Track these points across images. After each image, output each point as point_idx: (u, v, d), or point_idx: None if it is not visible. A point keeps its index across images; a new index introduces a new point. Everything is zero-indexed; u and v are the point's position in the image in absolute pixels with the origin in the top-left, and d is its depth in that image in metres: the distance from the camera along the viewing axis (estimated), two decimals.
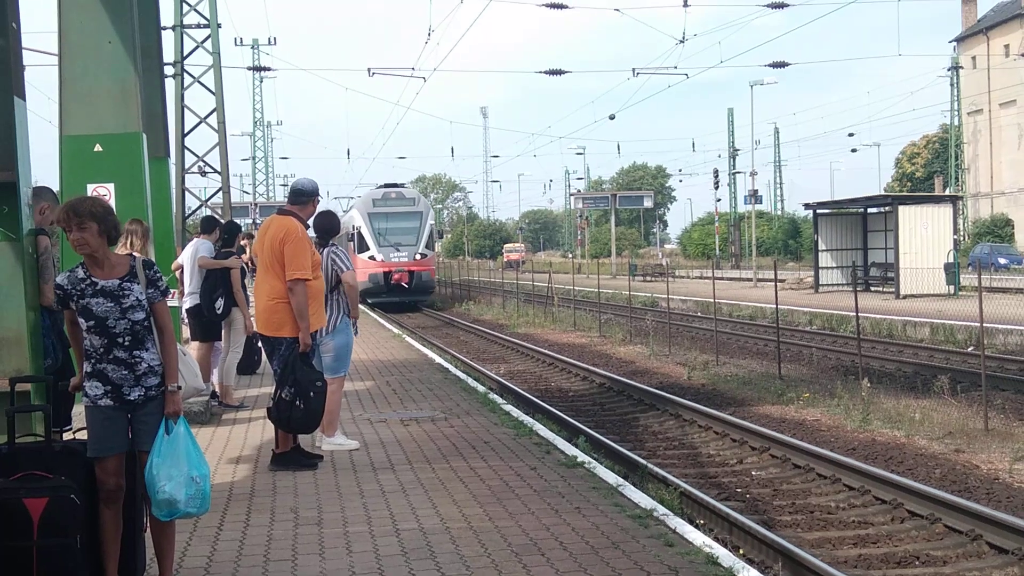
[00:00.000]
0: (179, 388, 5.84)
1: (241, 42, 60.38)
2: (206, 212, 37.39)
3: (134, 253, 9.45)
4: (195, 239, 13.74)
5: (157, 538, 5.87)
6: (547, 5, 29.17)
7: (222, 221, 14.57)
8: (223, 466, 9.57)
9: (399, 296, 43.90)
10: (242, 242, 14.01)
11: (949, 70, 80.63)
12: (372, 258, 43.36)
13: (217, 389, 13.08)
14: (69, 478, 5.51)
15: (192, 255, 13.09)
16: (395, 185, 48.45)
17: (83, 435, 5.88)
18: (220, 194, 34.69)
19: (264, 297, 9.44)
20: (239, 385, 14.25)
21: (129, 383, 5.70)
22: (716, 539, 8.04)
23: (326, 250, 10.31)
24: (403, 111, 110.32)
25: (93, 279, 5.70)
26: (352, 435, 10.86)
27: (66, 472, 5.55)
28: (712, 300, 26.57)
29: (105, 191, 11.77)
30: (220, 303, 12.72)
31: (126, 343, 5.68)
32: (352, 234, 44.36)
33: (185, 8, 32.69)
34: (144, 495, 5.76)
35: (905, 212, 35.44)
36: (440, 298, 50.61)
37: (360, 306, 11.64)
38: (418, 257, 44.11)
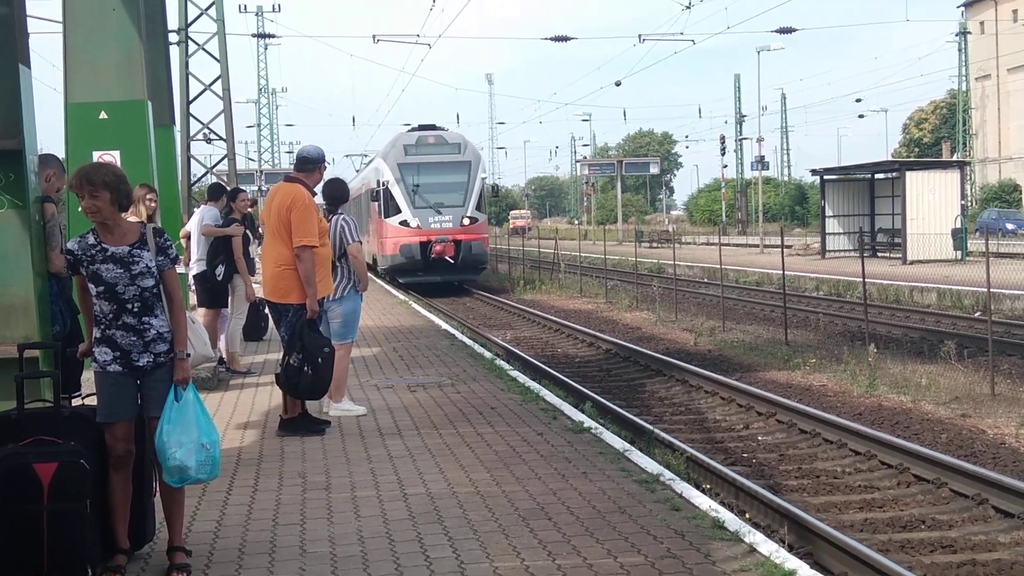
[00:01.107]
0: (188, 355, 5.85)
1: (245, 9, 60.29)
2: (212, 179, 37.39)
3: (145, 221, 9.46)
4: (202, 206, 13.75)
5: (167, 503, 5.90)
6: None
7: (228, 188, 14.55)
8: (231, 432, 9.61)
9: (441, 274, 33.31)
10: (248, 208, 13.96)
11: (957, 35, 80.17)
12: (404, 224, 32.84)
13: (224, 355, 13.12)
14: (78, 443, 5.54)
15: (199, 222, 13.10)
16: (432, 127, 36.11)
17: (92, 401, 5.91)
18: (225, 161, 34.65)
19: (271, 264, 9.44)
20: (246, 351, 14.28)
21: (138, 349, 5.71)
22: (722, 503, 8.07)
23: (335, 218, 10.31)
24: (408, 78, 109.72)
25: (103, 245, 5.71)
26: (359, 401, 10.89)
27: (75, 437, 5.57)
28: (719, 266, 26.54)
29: (110, 158, 11.76)
30: (220, 269, 12.76)
31: (135, 309, 5.70)
32: (376, 192, 34.31)
33: None
34: (154, 461, 5.79)
35: (912, 178, 35.32)
36: None
37: (371, 276, 11.68)
38: (466, 222, 32.97)
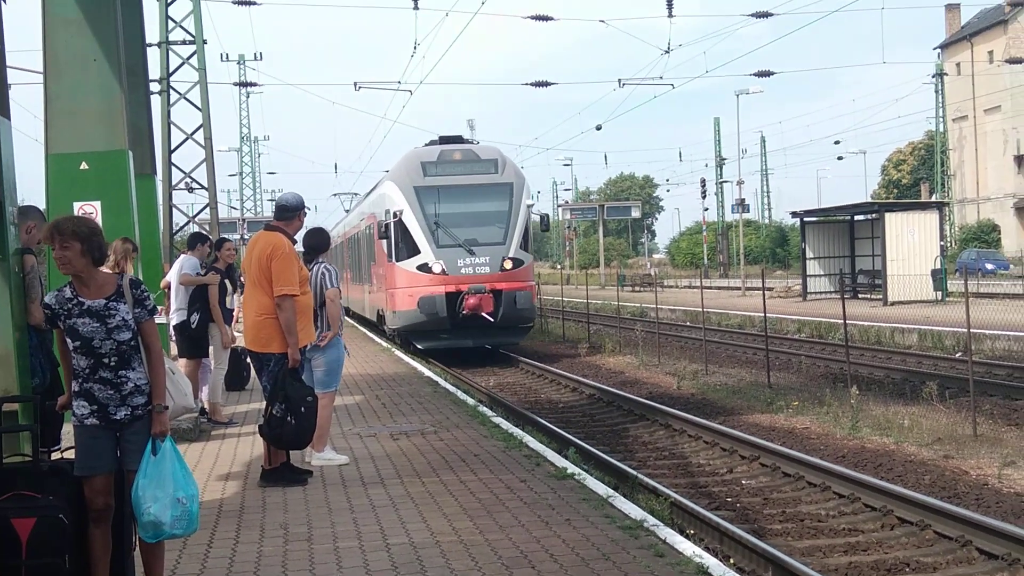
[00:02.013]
0: (166, 408, 5.83)
1: (227, 58, 60.33)
2: (194, 228, 37.32)
3: (122, 272, 9.45)
4: (182, 256, 13.75)
5: (146, 558, 5.86)
6: (532, 17, 29.19)
7: (208, 237, 14.56)
8: (212, 483, 9.55)
9: (475, 338, 25.25)
10: (233, 258, 13.95)
11: (934, 77, 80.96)
12: (425, 269, 24.84)
13: (206, 406, 13.06)
14: (57, 498, 5.50)
15: (178, 272, 13.09)
16: (458, 139, 28.65)
17: (71, 454, 5.87)
18: (208, 210, 34.62)
19: (252, 313, 9.43)
20: (228, 401, 14.22)
21: (115, 403, 5.70)
22: (707, 549, 8.05)
23: (316, 266, 10.32)
24: (390, 124, 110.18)
25: (79, 298, 5.70)
26: (342, 450, 10.84)
27: (54, 492, 5.54)
28: (701, 309, 26.57)
29: (92, 209, 11.76)
30: (195, 317, 12.76)
31: (112, 363, 5.68)
32: (384, 226, 26.09)
33: (171, 25, 32.64)
34: (132, 514, 5.75)
35: (892, 219, 35.56)
36: None
37: (350, 324, 11.43)
38: (508, 265, 24.89)
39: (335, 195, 54.10)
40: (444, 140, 27.78)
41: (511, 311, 24.62)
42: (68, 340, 5.72)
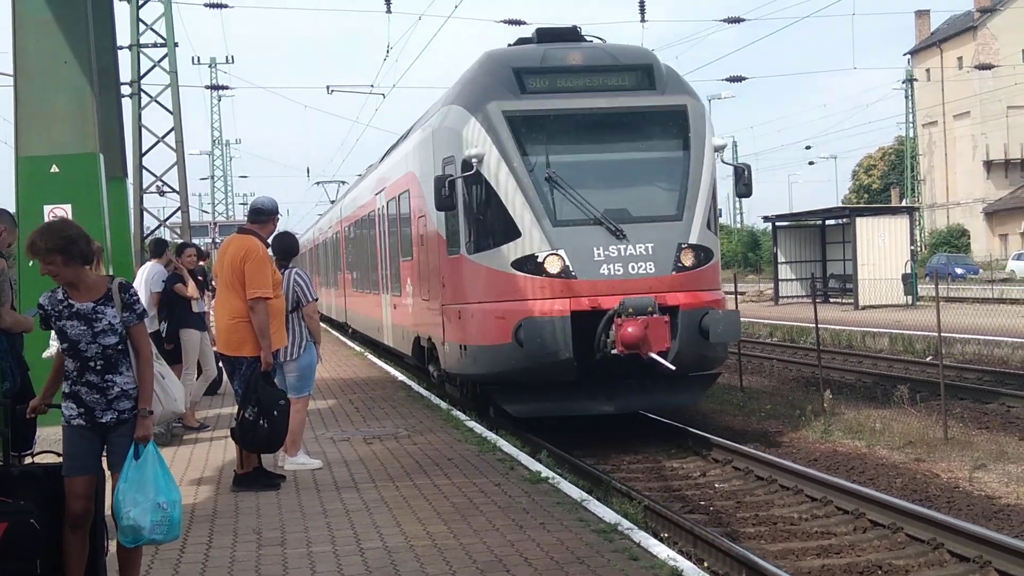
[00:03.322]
0: (151, 412, 5.80)
1: (199, 61, 60.23)
2: (165, 232, 37.12)
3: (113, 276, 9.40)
4: (147, 263, 13.71)
5: (122, 563, 5.83)
6: (505, 21, 29.21)
7: (167, 243, 14.64)
8: (185, 487, 9.48)
9: (624, 397, 13.58)
10: (196, 263, 13.92)
11: (904, 83, 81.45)
12: (530, 265, 13.25)
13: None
14: (29, 503, 5.46)
15: (146, 279, 13.03)
16: (572, 32, 15.60)
17: (43, 459, 5.84)
18: (179, 214, 34.48)
19: (225, 316, 9.39)
20: (200, 406, 14.14)
21: (101, 407, 5.71)
22: (680, 552, 8.05)
23: (288, 271, 10.28)
24: (362, 128, 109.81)
25: (70, 301, 5.72)
26: (315, 454, 10.80)
27: (26, 496, 5.50)
28: None
29: (62, 212, 11.67)
30: (164, 326, 12.85)
31: (98, 367, 5.68)
32: (442, 187, 13.67)
33: (142, 27, 32.51)
34: (108, 519, 5.72)
35: (862, 224, 35.74)
36: None
37: (327, 334, 10.87)
38: (688, 260, 13.39)
39: (318, 183, 46.71)
40: (544, 37, 15.30)
41: (696, 347, 13.18)
42: (59, 341, 5.74)
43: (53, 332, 5.89)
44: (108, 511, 5.80)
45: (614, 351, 12.65)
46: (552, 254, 13.05)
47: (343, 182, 44.24)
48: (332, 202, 40.19)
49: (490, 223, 13.59)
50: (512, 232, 13.24)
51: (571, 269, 13.03)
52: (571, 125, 13.97)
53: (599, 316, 12.79)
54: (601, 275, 13.05)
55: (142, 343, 5.79)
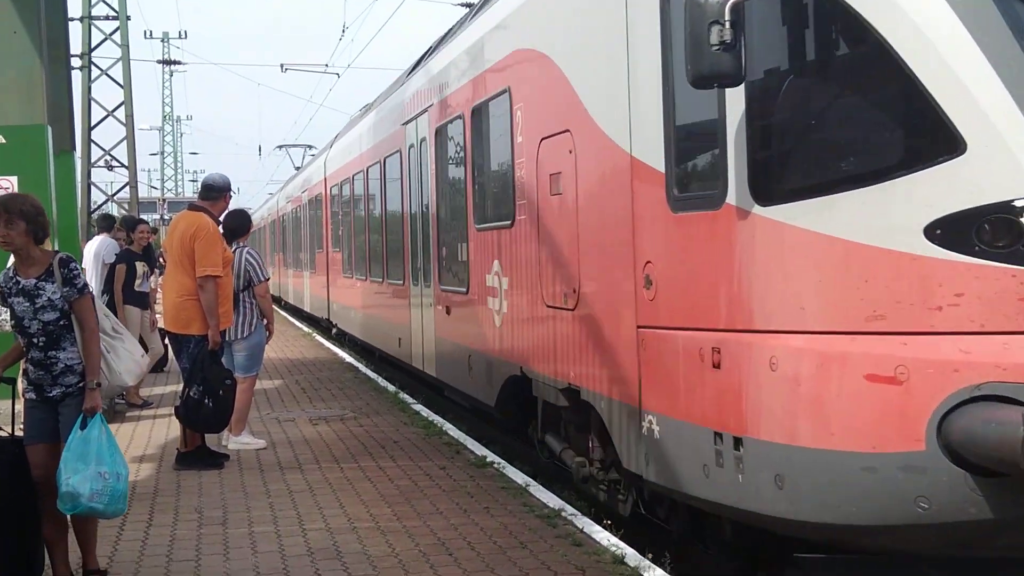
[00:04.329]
0: (99, 385, 5.78)
1: (151, 35, 59.73)
2: (113, 207, 36.72)
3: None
4: (97, 237, 13.54)
5: (78, 535, 5.96)
6: (462, 4, 29.15)
7: (116, 218, 14.46)
8: None
9: None
10: (148, 239, 13.76)
11: None
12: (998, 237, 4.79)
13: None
14: None
15: (96, 251, 12.88)
16: None
17: None
18: (127, 189, 34.12)
19: (173, 294, 9.31)
20: (144, 383, 14.00)
21: (47, 383, 5.77)
22: (623, 539, 8.09)
23: (238, 249, 10.20)
24: (316, 107, 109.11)
25: (17, 277, 5.76)
26: (259, 434, 10.75)
27: None
28: None
29: (8, 184, 11.51)
30: (106, 298, 12.64)
31: (40, 343, 5.74)
32: (719, 40, 5.03)
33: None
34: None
35: None
36: None
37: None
38: None
39: (280, 147, 40.54)
40: None
41: None
42: (8, 318, 5.82)
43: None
44: None
45: None
46: None
47: (310, 146, 39.55)
48: (297, 169, 36.43)
49: (871, 121, 5.46)
50: (943, 141, 4.99)
51: None
52: None
53: None
54: None
55: (86, 316, 5.77)
